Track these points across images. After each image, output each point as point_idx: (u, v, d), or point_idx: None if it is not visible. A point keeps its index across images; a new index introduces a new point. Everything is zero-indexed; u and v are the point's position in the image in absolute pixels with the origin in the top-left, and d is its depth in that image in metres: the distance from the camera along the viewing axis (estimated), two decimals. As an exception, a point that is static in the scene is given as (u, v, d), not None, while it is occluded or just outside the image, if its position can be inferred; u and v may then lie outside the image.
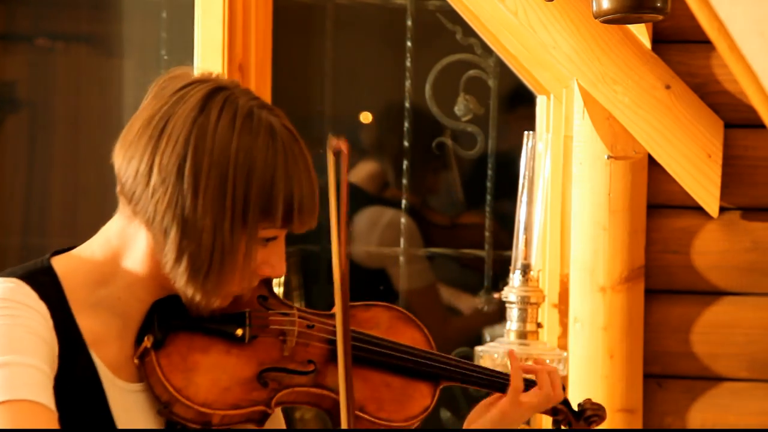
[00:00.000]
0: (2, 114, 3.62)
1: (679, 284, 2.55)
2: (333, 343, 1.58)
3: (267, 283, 1.62)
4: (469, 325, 3.50)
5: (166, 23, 3.48)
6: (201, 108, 1.46)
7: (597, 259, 2.52)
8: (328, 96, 3.55)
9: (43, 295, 1.44)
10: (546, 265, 2.71)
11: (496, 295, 2.68)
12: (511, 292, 2.61)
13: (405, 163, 3.47)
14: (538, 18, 2.43)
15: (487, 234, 3.47)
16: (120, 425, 1.48)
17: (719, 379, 2.54)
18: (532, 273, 2.62)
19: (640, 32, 2.48)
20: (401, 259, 3.46)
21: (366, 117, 3.60)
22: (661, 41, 2.50)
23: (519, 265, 2.62)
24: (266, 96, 2.76)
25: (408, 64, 3.44)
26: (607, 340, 2.51)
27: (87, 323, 1.48)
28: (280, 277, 1.56)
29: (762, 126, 2.22)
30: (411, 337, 1.72)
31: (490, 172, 3.47)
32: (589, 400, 1.84)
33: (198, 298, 1.48)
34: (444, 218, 3.58)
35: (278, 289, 3.45)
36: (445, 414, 3.44)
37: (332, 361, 1.57)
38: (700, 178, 2.47)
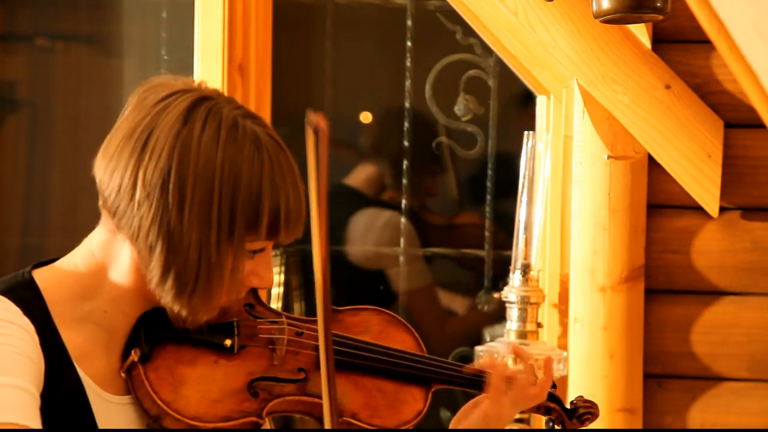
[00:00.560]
0: (2, 114, 3.62)
1: (679, 284, 2.55)
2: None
3: (253, 290, 1.60)
4: (469, 325, 3.50)
5: (166, 23, 3.48)
6: (184, 119, 1.42)
7: (597, 259, 2.52)
8: (328, 96, 3.55)
9: (27, 311, 1.41)
10: (546, 265, 2.71)
11: (496, 295, 2.68)
12: (511, 292, 2.61)
13: (405, 164, 3.47)
14: (538, 18, 2.43)
15: (487, 234, 3.47)
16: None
17: (719, 379, 2.54)
18: (532, 273, 2.62)
19: (640, 32, 2.48)
20: (401, 259, 3.46)
21: (366, 117, 3.60)
22: (661, 41, 2.50)
23: (519, 265, 2.62)
24: (266, 96, 2.76)
25: (408, 64, 3.44)
26: (607, 340, 2.51)
27: (72, 337, 1.45)
28: (268, 287, 1.54)
29: (762, 126, 2.22)
30: (401, 340, 1.69)
31: (490, 172, 3.47)
32: (581, 397, 1.82)
33: (185, 313, 1.46)
34: (441, 219, 3.58)
35: (278, 290, 3.45)
36: (445, 414, 3.44)
37: None
38: (700, 178, 2.47)
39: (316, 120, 1.42)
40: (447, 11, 3.26)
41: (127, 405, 1.49)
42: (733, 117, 2.50)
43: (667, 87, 2.46)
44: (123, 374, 1.49)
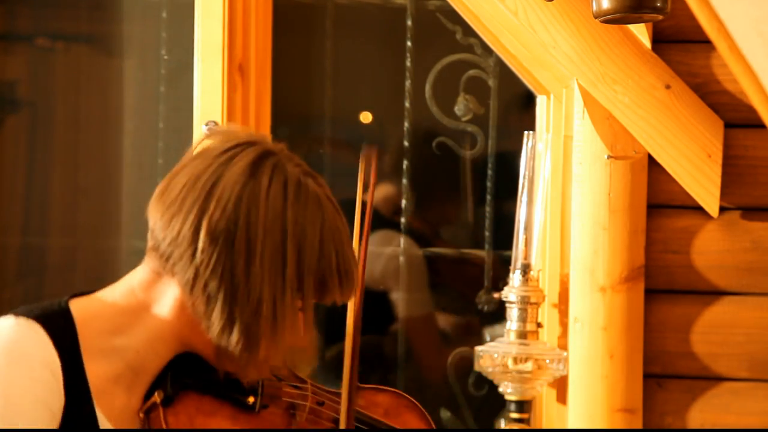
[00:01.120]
0: (2, 114, 3.62)
1: (679, 284, 2.55)
2: (339, 424, 1.56)
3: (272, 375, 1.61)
4: (469, 325, 3.50)
5: (166, 23, 3.48)
6: (251, 173, 1.42)
7: (597, 259, 2.52)
8: (328, 96, 3.54)
9: (57, 341, 1.40)
10: (546, 265, 2.71)
11: (496, 295, 2.68)
12: (511, 292, 2.61)
13: (405, 163, 3.47)
14: (538, 18, 2.43)
15: (487, 234, 3.47)
16: None
17: (719, 379, 2.54)
18: (532, 273, 2.62)
19: (640, 32, 2.48)
20: (401, 259, 3.46)
21: (366, 117, 3.60)
22: (661, 41, 2.50)
23: (519, 265, 2.62)
24: (266, 96, 2.76)
25: (408, 64, 3.44)
26: (607, 340, 2.51)
27: (96, 370, 1.44)
28: (301, 345, 1.53)
29: (762, 126, 2.22)
30: (416, 425, 1.70)
31: (490, 172, 3.47)
32: None
33: (245, 365, 1.44)
34: (454, 251, 3.57)
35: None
36: (445, 414, 3.44)
37: None
38: (700, 178, 2.47)
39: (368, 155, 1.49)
40: (447, 11, 3.26)
41: None
42: (733, 117, 2.50)
43: (667, 87, 2.46)
44: (142, 415, 1.49)
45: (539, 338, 2.63)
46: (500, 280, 3.21)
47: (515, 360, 2.58)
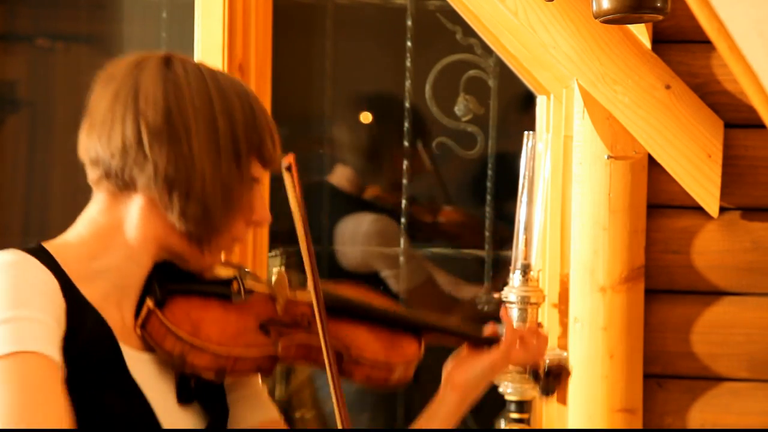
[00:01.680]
0: (2, 114, 3.62)
1: (679, 284, 2.55)
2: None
3: (239, 267, 1.67)
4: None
5: (166, 23, 3.48)
6: (166, 67, 1.51)
7: (597, 259, 2.52)
8: (328, 96, 3.55)
9: (46, 264, 1.47)
10: (546, 265, 2.71)
11: (496, 295, 2.68)
12: (511, 292, 2.62)
13: (405, 163, 3.47)
14: (538, 18, 2.44)
15: (487, 234, 3.47)
16: (135, 377, 1.50)
17: (719, 379, 2.54)
18: (532, 273, 2.62)
19: (640, 32, 2.48)
20: (401, 259, 3.46)
21: (366, 117, 3.60)
22: (661, 41, 2.50)
23: (519, 265, 2.62)
24: (266, 96, 2.76)
25: (408, 64, 3.44)
26: (607, 340, 2.51)
27: (88, 294, 1.50)
28: (266, 222, 1.60)
29: (762, 126, 2.22)
30: (383, 302, 1.78)
31: (490, 172, 3.47)
32: (554, 359, 1.91)
33: (207, 244, 1.52)
34: (429, 215, 3.58)
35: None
36: (445, 414, 3.44)
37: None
38: (700, 178, 2.47)
39: (287, 159, 1.53)
40: (447, 11, 3.26)
41: (147, 361, 1.54)
42: (733, 117, 2.50)
43: (667, 87, 2.46)
44: (139, 330, 1.53)
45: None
46: (500, 280, 3.21)
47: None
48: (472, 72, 3.43)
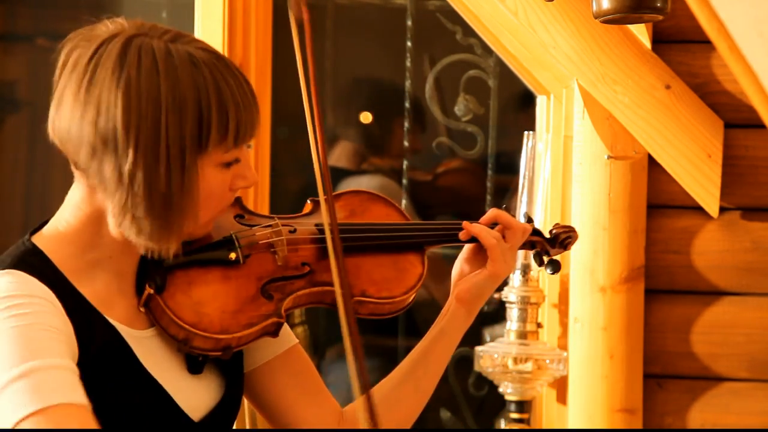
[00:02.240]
0: (2, 114, 3.62)
1: (679, 284, 2.55)
2: (319, 241, 1.64)
3: (238, 201, 1.67)
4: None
5: (166, 23, 3.47)
6: (120, 66, 1.47)
7: (597, 259, 2.52)
8: (328, 96, 3.55)
9: (42, 277, 1.45)
10: (546, 265, 2.71)
11: (496, 295, 2.68)
12: (511, 292, 2.62)
13: (405, 163, 3.47)
14: (538, 18, 2.44)
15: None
16: (149, 369, 1.51)
17: (719, 379, 2.54)
18: (532, 273, 2.62)
19: (640, 32, 2.48)
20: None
21: (366, 117, 3.60)
22: (661, 41, 2.50)
23: (519, 264, 2.62)
24: (266, 96, 2.76)
25: (408, 64, 3.44)
26: (607, 340, 2.51)
27: (88, 289, 1.50)
28: (254, 183, 1.58)
29: (762, 126, 2.21)
30: (385, 214, 1.77)
31: (490, 172, 3.47)
32: (557, 224, 1.88)
33: (155, 248, 1.49)
34: (427, 174, 3.58)
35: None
36: (445, 414, 3.44)
37: (324, 258, 1.62)
38: (700, 178, 2.47)
39: (298, 11, 1.52)
40: (447, 11, 3.26)
41: (155, 336, 1.55)
42: (733, 117, 2.50)
43: (667, 87, 2.46)
44: (143, 309, 1.54)
45: (539, 338, 2.63)
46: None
47: (515, 360, 2.58)
48: (472, 72, 3.43)
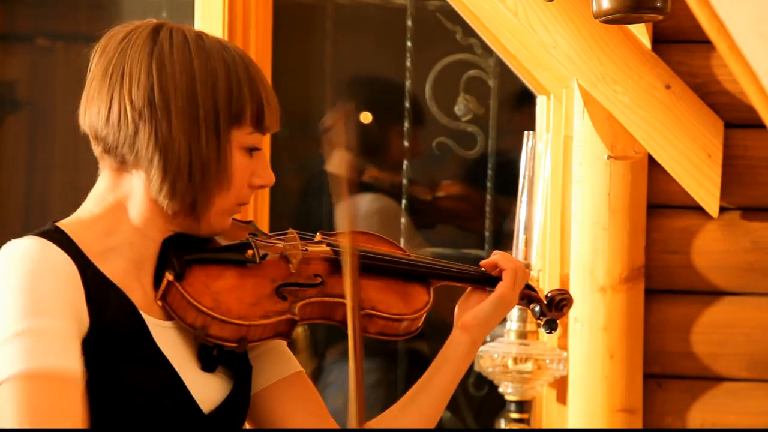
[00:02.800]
0: (2, 114, 3.62)
1: (679, 284, 2.55)
2: (330, 260, 1.69)
3: (251, 224, 1.72)
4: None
5: (166, 23, 3.47)
6: (152, 41, 1.53)
7: (597, 259, 2.52)
8: (328, 96, 3.55)
9: (63, 248, 1.49)
10: (546, 265, 2.71)
11: (496, 295, 2.67)
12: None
13: (405, 164, 3.47)
14: (538, 18, 2.44)
15: (487, 234, 3.47)
16: (164, 351, 1.53)
17: (719, 379, 2.54)
18: (532, 273, 2.62)
19: (640, 32, 2.48)
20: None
21: (366, 117, 3.60)
22: (661, 41, 2.50)
23: (519, 264, 2.61)
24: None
25: (408, 64, 3.44)
26: (607, 340, 2.51)
27: (108, 271, 1.53)
28: (270, 184, 1.63)
29: (762, 126, 2.22)
30: (389, 251, 1.81)
31: (490, 172, 3.47)
32: (555, 289, 1.92)
33: (195, 221, 1.55)
34: (427, 192, 3.59)
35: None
36: (445, 414, 3.44)
37: (335, 273, 1.67)
38: (700, 178, 2.47)
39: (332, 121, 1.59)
40: (447, 11, 3.26)
41: (172, 329, 1.57)
42: (733, 117, 2.50)
43: (667, 87, 2.46)
44: (160, 301, 1.57)
45: (539, 338, 2.63)
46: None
47: (515, 360, 2.58)
48: (472, 72, 3.43)
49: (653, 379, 2.55)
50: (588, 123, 2.52)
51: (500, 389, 2.66)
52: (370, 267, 1.73)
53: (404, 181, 3.47)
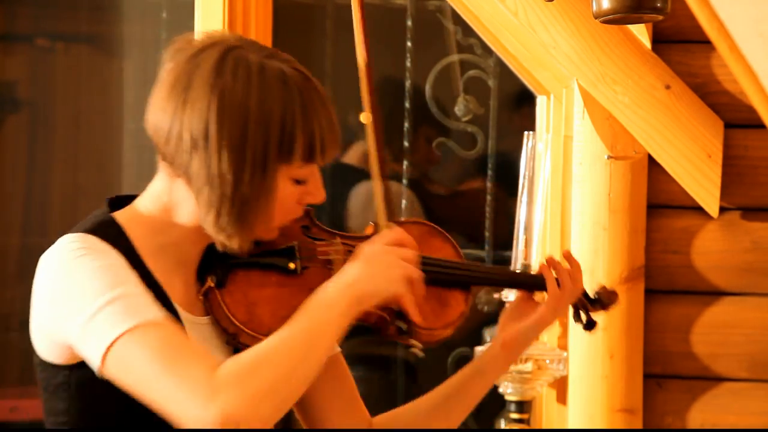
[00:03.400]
0: (2, 114, 3.62)
1: (679, 284, 2.55)
2: None
3: (308, 214, 1.74)
4: (469, 325, 3.50)
5: (166, 23, 3.48)
6: (216, 72, 1.58)
7: (597, 259, 2.52)
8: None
9: (113, 244, 1.57)
10: (546, 265, 2.71)
11: (496, 295, 2.68)
12: (512, 292, 2.61)
13: (405, 164, 3.47)
14: (538, 18, 2.44)
15: (487, 234, 3.47)
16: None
17: (719, 379, 2.54)
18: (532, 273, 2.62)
19: (640, 32, 2.48)
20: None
21: (366, 117, 3.60)
22: (661, 41, 2.50)
23: (519, 265, 2.62)
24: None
25: (408, 64, 3.44)
26: (607, 340, 2.51)
27: (155, 267, 1.61)
28: (320, 202, 1.68)
29: (762, 126, 2.22)
30: (441, 249, 1.82)
31: (490, 172, 3.47)
32: (604, 287, 1.92)
33: (229, 243, 1.61)
34: (444, 188, 3.60)
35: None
36: (445, 414, 3.43)
37: None
38: (700, 178, 2.47)
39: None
40: (447, 11, 3.26)
41: (207, 324, 1.65)
42: (733, 117, 2.50)
43: (667, 87, 2.46)
44: (201, 297, 1.64)
45: (539, 338, 2.63)
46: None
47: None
48: (472, 72, 3.43)
49: (653, 379, 2.55)
50: (588, 123, 2.52)
51: (500, 389, 2.66)
52: (427, 278, 1.71)
53: (404, 181, 3.47)
